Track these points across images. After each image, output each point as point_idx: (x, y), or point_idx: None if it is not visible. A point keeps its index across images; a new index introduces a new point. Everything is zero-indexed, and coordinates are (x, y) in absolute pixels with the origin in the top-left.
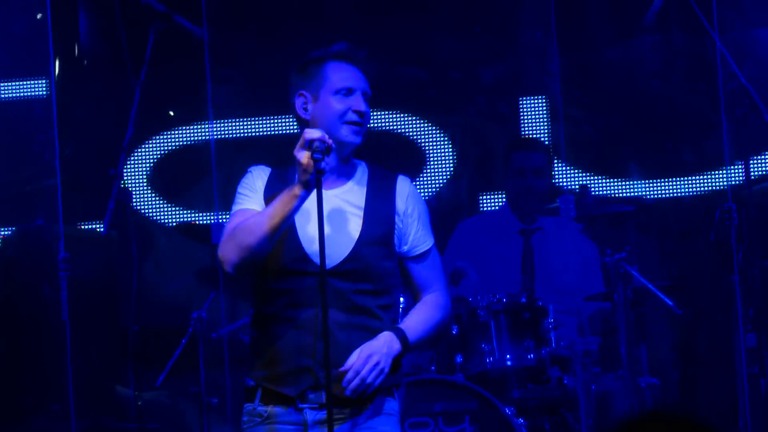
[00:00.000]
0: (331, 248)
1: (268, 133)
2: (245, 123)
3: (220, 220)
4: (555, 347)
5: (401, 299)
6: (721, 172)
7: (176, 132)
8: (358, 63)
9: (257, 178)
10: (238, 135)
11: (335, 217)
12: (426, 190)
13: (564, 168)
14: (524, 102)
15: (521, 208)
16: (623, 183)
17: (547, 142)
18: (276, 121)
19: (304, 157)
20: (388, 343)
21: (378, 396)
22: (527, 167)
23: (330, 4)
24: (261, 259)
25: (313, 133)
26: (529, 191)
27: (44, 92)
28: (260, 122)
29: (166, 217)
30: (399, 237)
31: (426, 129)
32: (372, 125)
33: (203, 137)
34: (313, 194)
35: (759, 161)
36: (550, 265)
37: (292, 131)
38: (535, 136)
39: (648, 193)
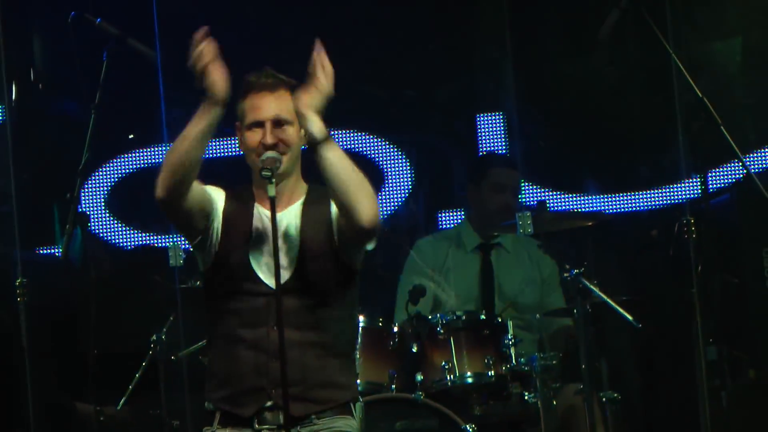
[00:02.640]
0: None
1: (224, 155)
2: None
3: (177, 243)
4: (515, 364)
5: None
6: (678, 186)
7: (133, 154)
8: (275, 88)
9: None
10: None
11: (280, 237)
12: (385, 208)
13: (522, 184)
14: (481, 118)
15: (491, 225)
16: (581, 198)
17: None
18: (231, 142)
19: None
20: None
21: (336, 415)
22: (508, 184)
23: (286, 24)
24: (183, 178)
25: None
26: (506, 209)
27: (0, 118)
28: (216, 144)
29: (123, 240)
30: (343, 247)
31: (383, 147)
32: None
33: (159, 160)
34: (262, 216)
35: (716, 174)
36: (508, 281)
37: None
38: (492, 152)
39: (606, 208)
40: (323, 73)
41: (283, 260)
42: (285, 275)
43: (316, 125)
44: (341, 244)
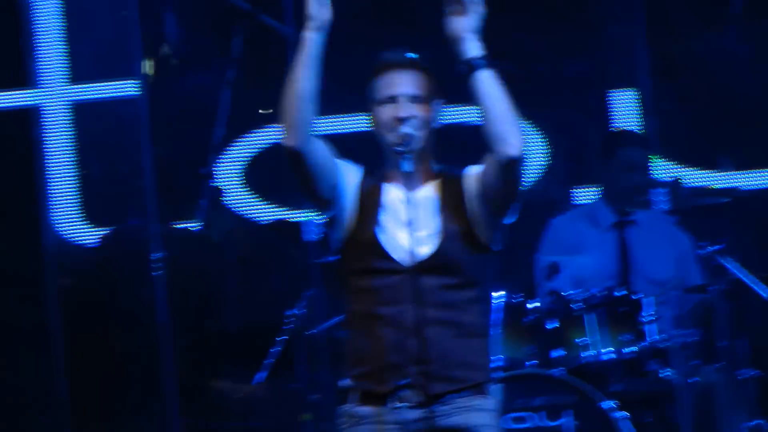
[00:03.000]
0: (414, 246)
1: (357, 130)
2: (332, 120)
3: (312, 218)
4: (652, 340)
5: (495, 294)
6: None
7: (266, 130)
8: (409, 67)
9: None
10: (326, 132)
11: (416, 216)
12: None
13: (657, 161)
14: (613, 94)
15: (623, 204)
16: (715, 175)
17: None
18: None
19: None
20: None
21: (473, 392)
22: (637, 163)
23: (417, 1)
24: (300, 117)
25: (406, 129)
26: (637, 188)
27: (135, 92)
28: (347, 119)
29: (259, 214)
30: (482, 221)
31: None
32: (462, 120)
33: None
34: (394, 195)
35: None
36: (644, 258)
37: None
38: (626, 128)
39: (740, 184)
40: None
41: (419, 238)
42: (422, 253)
43: (477, 48)
44: (480, 217)
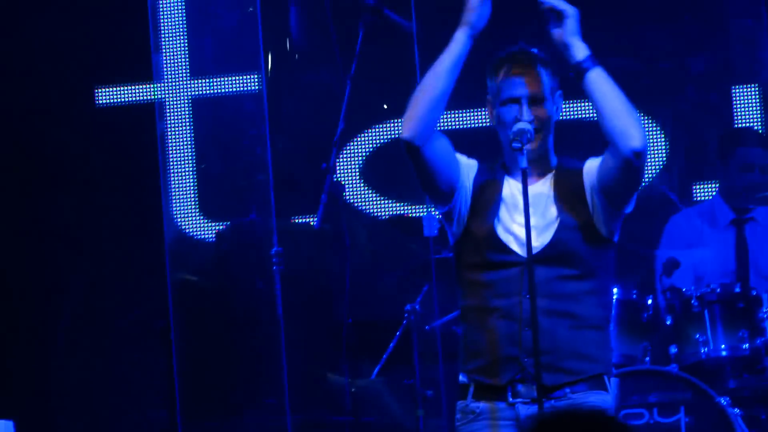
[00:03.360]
0: (532, 237)
1: (477, 125)
2: (456, 115)
3: (432, 213)
4: None
5: (615, 289)
6: None
7: (387, 125)
8: (529, 65)
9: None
10: (449, 127)
11: (531, 207)
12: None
13: None
14: (736, 91)
15: (741, 203)
16: None
17: (761, 131)
18: (481, 113)
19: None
20: None
21: (590, 389)
22: (755, 163)
23: None
24: (429, 115)
25: (522, 125)
26: (756, 187)
27: (255, 87)
28: (469, 114)
29: (378, 210)
30: (601, 213)
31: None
32: (583, 116)
33: None
34: (512, 188)
35: None
36: (763, 255)
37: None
38: (748, 125)
39: None
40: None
41: (538, 231)
42: (538, 245)
43: (582, 51)
44: (600, 209)
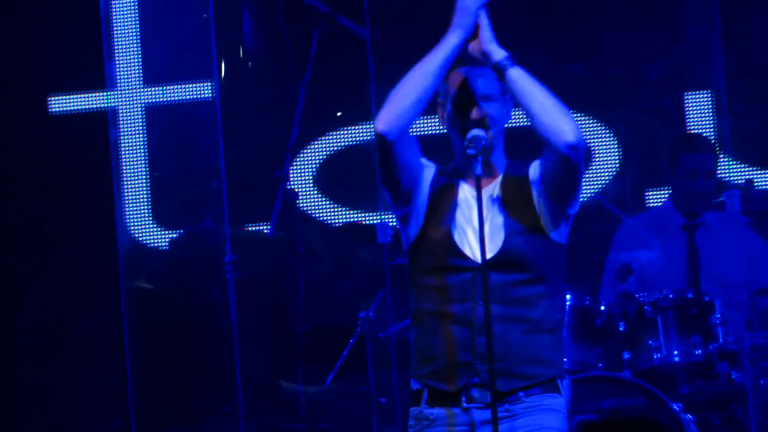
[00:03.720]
0: (482, 243)
1: (432, 132)
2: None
3: (385, 220)
4: (723, 342)
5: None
6: None
7: (341, 132)
8: (480, 63)
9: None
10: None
11: (484, 213)
12: (591, 187)
13: (730, 162)
14: (689, 97)
15: (688, 208)
16: None
17: (712, 137)
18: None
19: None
20: None
21: (544, 392)
22: (700, 169)
23: (491, 4)
24: (409, 111)
25: (477, 132)
26: (700, 194)
27: (209, 94)
28: (424, 121)
29: (331, 217)
30: (548, 214)
31: (590, 126)
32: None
33: (367, 137)
34: (467, 193)
35: None
36: (715, 260)
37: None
38: (700, 131)
39: None
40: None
41: (490, 236)
42: (491, 250)
43: (499, 52)
44: (547, 211)
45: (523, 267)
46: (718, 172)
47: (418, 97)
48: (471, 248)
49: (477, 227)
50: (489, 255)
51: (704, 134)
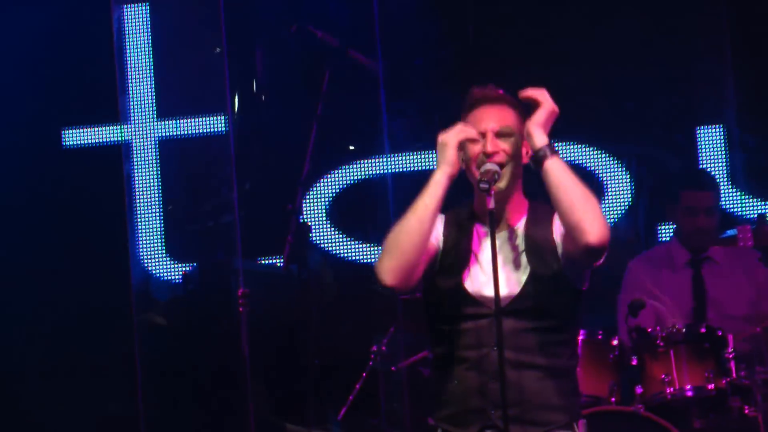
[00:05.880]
0: (500, 288)
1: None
2: (421, 156)
3: None
4: (735, 377)
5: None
6: None
7: (353, 165)
8: (498, 101)
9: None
10: (415, 168)
11: (501, 255)
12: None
13: (742, 196)
14: (701, 131)
15: (692, 244)
16: None
17: (724, 171)
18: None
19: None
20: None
21: (560, 430)
22: (699, 207)
23: (502, 38)
24: (416, 260)
25: (490, 166)
26: (701, 231)
27: (222, 128)
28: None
29: (344, 251)
30: (567, 268)
31: (603, 159)
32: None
33: (380, 171)
34: (482, 237)
35: None
36: (721, 294)
37: None
38: (712, 164)
39: None
40: (539, 93)
41: (508, 281)
42: (507, 296)
43: (540, 139)
44: (567, 263)
45: (541, 314)
46: (721, 206)
47: (421, 244)
48: (485, 294)
49: (492, 270)
50: (506, 300)
51: (707, 169)
